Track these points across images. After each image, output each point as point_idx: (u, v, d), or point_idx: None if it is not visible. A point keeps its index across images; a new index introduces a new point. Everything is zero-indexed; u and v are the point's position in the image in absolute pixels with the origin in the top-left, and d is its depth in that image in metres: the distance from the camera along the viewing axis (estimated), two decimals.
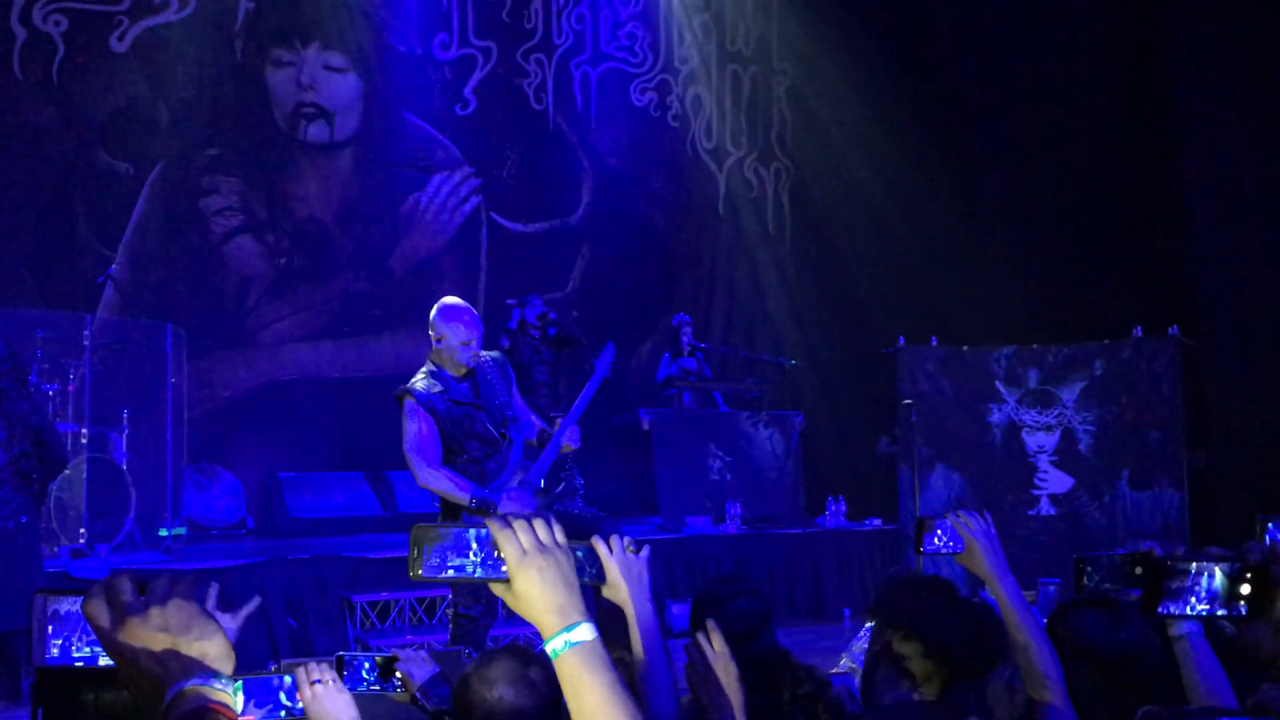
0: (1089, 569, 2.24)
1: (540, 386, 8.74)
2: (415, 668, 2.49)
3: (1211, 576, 1.47)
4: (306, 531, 8.08)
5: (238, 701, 1.22)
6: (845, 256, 11.06)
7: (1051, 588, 5.60)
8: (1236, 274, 9.01)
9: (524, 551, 1.32)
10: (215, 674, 1.16)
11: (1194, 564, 1.46)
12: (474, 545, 1.34)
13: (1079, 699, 2.23)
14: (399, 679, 2.47)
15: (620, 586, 2.02)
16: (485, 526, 1.34)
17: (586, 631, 1.32)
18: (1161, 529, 8.21)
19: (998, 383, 8.53)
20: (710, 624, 2.03)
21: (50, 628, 1.32)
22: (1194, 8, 9.37)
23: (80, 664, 1.29)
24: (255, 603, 2.18)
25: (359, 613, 6.47)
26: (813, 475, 9.36)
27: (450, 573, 1.34)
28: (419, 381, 4.55)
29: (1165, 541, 2.58)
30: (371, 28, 9.70)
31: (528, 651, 2.07)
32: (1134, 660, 2.18)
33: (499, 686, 1.84)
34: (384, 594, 6.54)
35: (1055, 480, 8.44)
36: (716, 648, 2.00)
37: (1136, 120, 9.65)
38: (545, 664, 2.01)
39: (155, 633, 1.17)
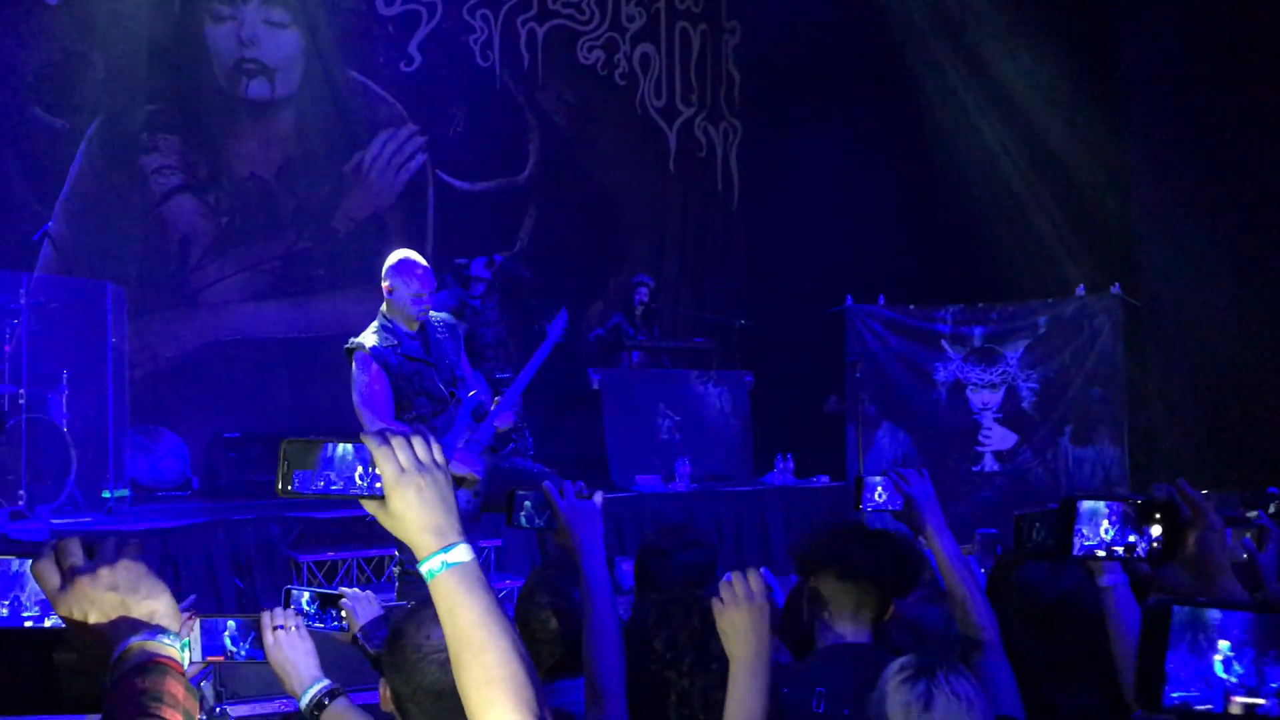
0: (1029, 526, 2.29)
1: (488, 349, 8.70)
2: (360, 607, 2.47)
3: (1122, 516, 1.49)
4: (252, 492, 8.00)
5: (185, 656, 1.22)
6: (794, 216, 11.08)
7: (990, 534, 5.70)
8: (1176, 232, 9.15)
9: (402, 469, 1.29)
10: (163, 630, 1.18)
11: (1104, 504, 1.49)
12: (344, 461, 1.29)
13: (1017, 646, 2.28)
14: (343, 617, 2.46)
15: (571, 533, 2.02)
16: (360, 441, 1.29)
17: (464, 552, 1.29)
18: (1103, 484, 8.38)
19: (943, 341, 8.62)
20: (750, 571, 1.95)
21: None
22: None
23: (30, 624, 1.28)
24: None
25: (305, 572, 6.44)
26: (762, 433, 9.42)
27: (321, 486, 1.30)
28: (370, 335, 4.52)
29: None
30: None
31: None
32: (1070, 608, 2.23)
33: (430, 626, 1.83)
34: (330, 553, 6.51)
35: (999, 437, 8.57)
36: (755, 587, 1.92)
37: (1080, 80, 9.72)
38: None
39: (104, 592, 1.18)
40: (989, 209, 9.98)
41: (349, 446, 1.30)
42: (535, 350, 5.00)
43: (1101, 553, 1.50)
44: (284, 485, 1.29)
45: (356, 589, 2.59)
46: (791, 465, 9.01)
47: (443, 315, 4.81)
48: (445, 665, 1.90)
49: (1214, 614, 0.92)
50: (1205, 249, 8.99)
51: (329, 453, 1.29)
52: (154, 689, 1.11)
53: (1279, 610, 0.91)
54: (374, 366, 4.44)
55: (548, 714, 1.29)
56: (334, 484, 1.30)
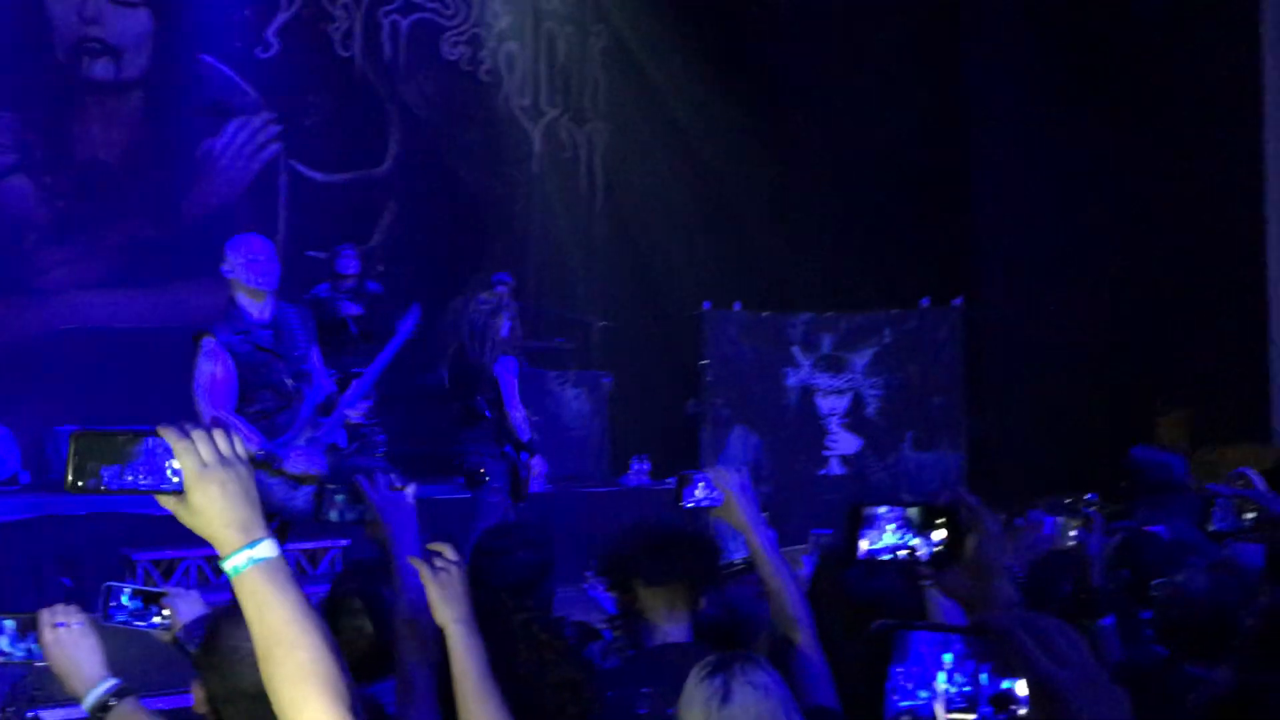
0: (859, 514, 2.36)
1: (347, 345, 8.54)
2: (183, 605, 2.40)
3: (906, 522, 1.55)
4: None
5: None
6: (655, 220, 11.18)
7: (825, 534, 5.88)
8: (1016, 248, 9.58)
9: (204, 464, 1.26)
10: None
11: (888, 509, 1.54)
12: (144, 456, 1.23)
13: (834, 642, 2.36)
14: (165, 615, 2.38)
15: (385, 525, 2.00)
16: (157, 435, 1.24)
17: (270, 548, 1.27)
18: (941, 489, 8.69)
19: (794, 348, 8.84)
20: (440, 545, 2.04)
21: None
22: None
23: None
24: None
25: (141, 571, 6.22)
26: (619, 435, 9.48)
27: (110, 481, 1.23)
28: (220, 321, 4.39)
29: None
30: None
31: None
32: (883, 605, 2.32)
33: (247, 626, 1.80)
34: (168, 552, 6.30)
35: (845, 442, 8.84)
36: (448, 556, 2.01)
37: (929, 98, 10.08)
38: None
39: None
40: (841, 220, 10.26)
41: (146, 440, 1.24)
42: (384, 346, 4.95)
43: (886, 556, 1.55)
44: (74, 480, 1.22)
45: (181, 587, 2.52)
46: (648, 467, 9.09)
47: (296, 304, 4.71)
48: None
49: (924, 635, 0.98)
50: (1044, 263, 9.44)
51: (123, 446, 1.23)
52: None
53: (985, 633, 0.98)
54: (221, 355, 4.31)
55: (360, 709, 1.28)
56: (130, 480, 1.23)
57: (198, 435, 1.27)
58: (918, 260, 9.92)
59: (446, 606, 1.96)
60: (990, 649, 0.97)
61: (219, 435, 1.28)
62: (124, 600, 2.38)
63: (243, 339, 4.35)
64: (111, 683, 2.09)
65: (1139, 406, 9.88)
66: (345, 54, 10.25)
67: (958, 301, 8.93)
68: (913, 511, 1.53)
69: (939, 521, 1.52)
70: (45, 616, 2.06)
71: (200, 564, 6.42)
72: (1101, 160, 9.74)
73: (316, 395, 4.58)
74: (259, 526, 1.27)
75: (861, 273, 9.85)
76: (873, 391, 8.83)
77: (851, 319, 8.94)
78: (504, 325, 5.91)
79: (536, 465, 8.46)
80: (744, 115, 10.56)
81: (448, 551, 2.01)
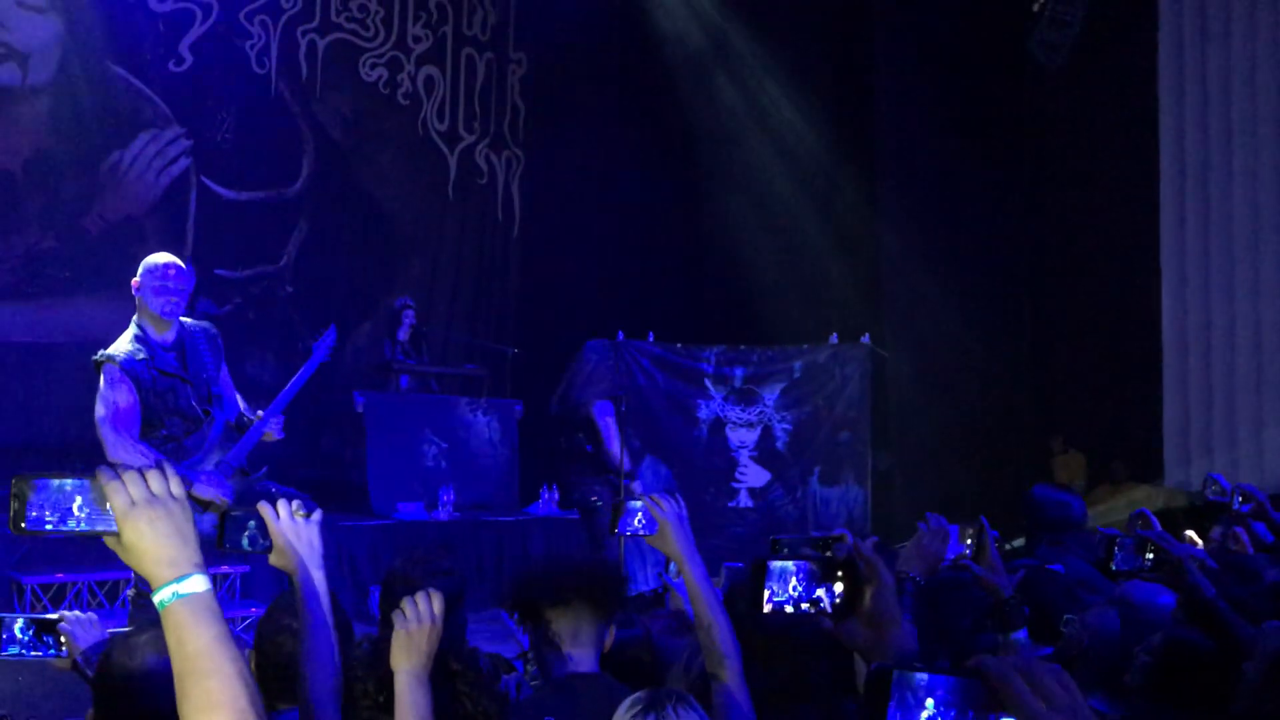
0: (784, 549, 2.40)
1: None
2: (80, 631, 2.34)
3: (809, 574, 1.60)
4: None
5: None
6: (571, 249, 11.22)
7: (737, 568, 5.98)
8: (918, 289, 9.82)
9: (132, 503, 1.30)
10: None
11: (792, 562, 1.59)
12: (79, 497, 1.29)
13: (750, 673, 2.39)
14: (61, 643, 2.33)
15: (286, 553, 1.97)
16: (94, 477, 1.29)
17: (197, 583, 1.30)
18: (846, 523, 8.83)
19: (706, 380, 8.92)
20: (431, 594, 2.06)
21: None
22: (892, 33, 10.12)
23: None
24: None
25: (30, 595, 6.00)
26: (530, 464, 9.44)
27: (55, 523, 1.29)
28: (122, 346, 4.23)
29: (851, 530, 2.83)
30: None
31: None
32: (790, 639, 2.35)
33: (142, 653, 1.76)
34: (59, 575, 6.09)
35: (754, 474, 8.93)
36: (435, 609, 2.05)
37: (842, 141, 10.32)
38: None
39: None
40: (755, 255, 10.42)
41: (83, 481, 1.28)
42: (300, 368, 4.85)
43: (790, 608, 1.59)
44: (18, 524, 1.26)
45: (78, 612, 2.45)
46: (556, 496, 9.06)
47: (202, 323, 4.59)
48: (159, 693, 1.83)
49: (921, 677, 1.01)
50: (947, 302, 9.69)
51: (61, 488, 1.28)
52: None
53: (982, 676, 1.01)
54: (124, 382, 4.16)
55: None
56: (67, 521, 1.28)
57: (128, 476, 1.31)
58: (828, 296, 10.11)
59: (405, 656, 2.00)
60: (977, 696, 1.01)
61: (152, 475, 1.32)
62: (16, 631, 2.32)
63: (145, 364, 4.21)
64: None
65: (1036, 445, 10.18)
66: (260, 71, 10.12)
67: (865, 338, 9.11)
68: (815, 565, 1.58)
69: (838, 574, 1.58)
70: None
71: (92, 587, 6.22)
72: (1005, 201, 10.07)
73: (227, 416, 4.48)
74: (188, 562, 1.31)
75: (773, 307, 10.00)
76: (782, 425, 8.94)
77: (764, 352, 9.05)
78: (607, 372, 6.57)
79: (444, 493, 8.40)
80: (660, 147, 10.68)
81: (436, 604, 2.04)
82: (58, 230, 8.96)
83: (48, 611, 6.05)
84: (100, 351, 4.22)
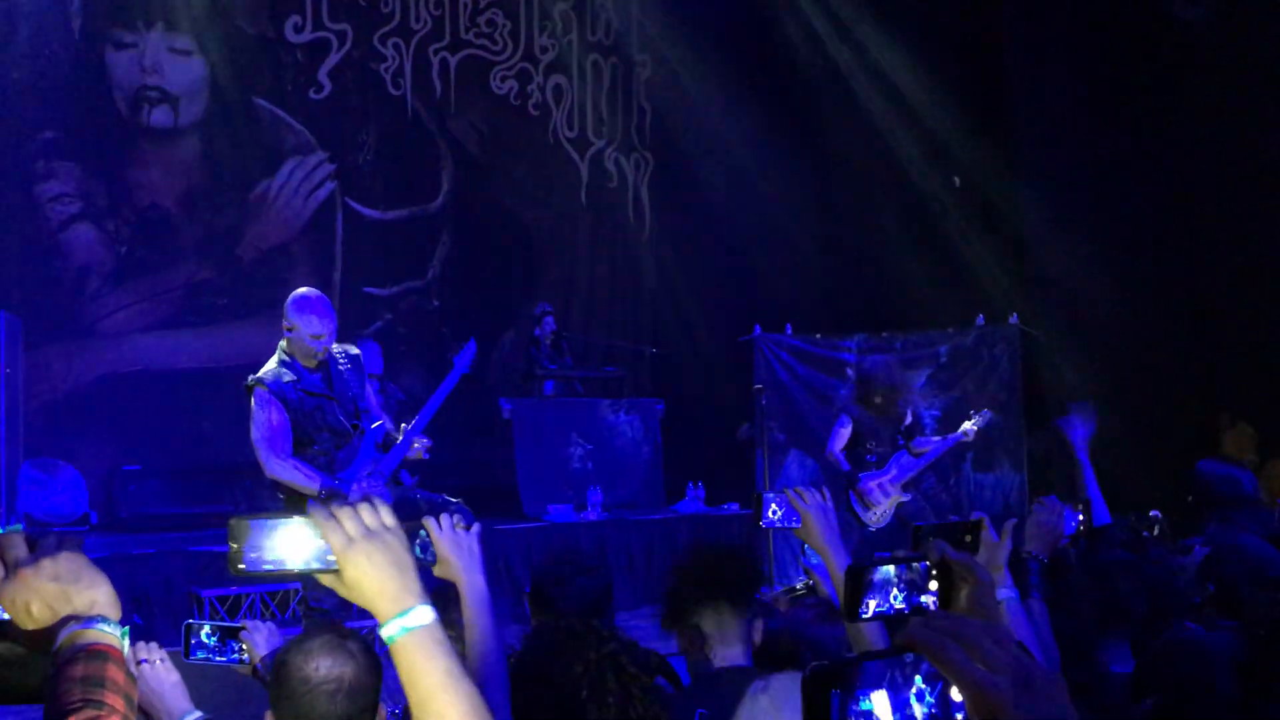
0: (927, 537, 2.36)
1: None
2: (260, 638, 2.46)
3: (908, 574, 1.59)
4: (153, 526, 7.82)
5: (125, 644, 1.27)
6: (704, 246, 11.22)
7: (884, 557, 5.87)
8: (1070, 262, 9.47)
9: (350, 539, 1.30)
10: (103, 619, 1.24)
11: (889, 566, 1.58)
12: (297, 535, 1.31)
13: None
14: (242, 649, 2.45)
15: (451, 563, 2.04)
16: (309, 516, 1.31)
17: (423, 615, 1.30)
18: (1003, 509, 8.58)
19: (848, 370, 8.77)
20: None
21: None
22: (1023, 9, 9.79)
23: None
24: None
25: (207, 607, 6.32)
26: (673, 461, 9.48)
27: (273, 562, 1.31)
28: (270, 371, 4.47)
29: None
30: (219, 10, 9.39)
31: (346, 629, 2.08)
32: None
33: (316, 658, 1.83)
34: (233, 588, 6.39)
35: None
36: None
37: (976, 115, 10.03)
38: (364, 638, 2.02)
39: (47, 582, 1.24)
40: (894, 240, 10.22)
41: (299, 521, 1.30)
42: (442, 380, 5.00)
43: (890, 614, 1.59)
44: (235, 565, 1.30)
45: (258, 620, 2.58)
46: (702, 493, 9.08)
47: (347, 346, 4.77)
48: (333, 696, 1.91)
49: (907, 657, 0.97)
50: (1098, 277, 9.32)
51: (279, 528, 1.31)
52: (95, 675, 1.17)
53: (912, 649, 0.96)
54: (274, 403, 4.39)
55: None
56: (287, 561, 1.31)
57: (343, 513, 1.31)
58: (971, 278, 9.83)
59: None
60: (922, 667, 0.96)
61: (364, 509, 1.32)
62: (203, 637, 2.46)
63: (292, 385, 4.43)
64: (195, 715, 2.16)
65: (1202, 419, 9.70)
66: (396, 92, 10.44)
67: (1014, 319, 8.83)
68: (911, 571, 1.57)
69: (934, 574, 1.57)
70: (129, 654, 2.13)
71: (264, 597, 6.52)
72: (1152, 166, 9.62)
73: (375, 432, 4.65)
74: (410, 594, 1.31)
75: (914, 292, 9.79)
76: (930, 412, 8.73)
77: (907, 339, 8.86)
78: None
79: (592, 494, 8.51)
80: (790, 138, 10.58)
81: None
82: (214, 260, 9.43)
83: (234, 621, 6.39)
84: (250, 377, 4.45)
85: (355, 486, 4.46)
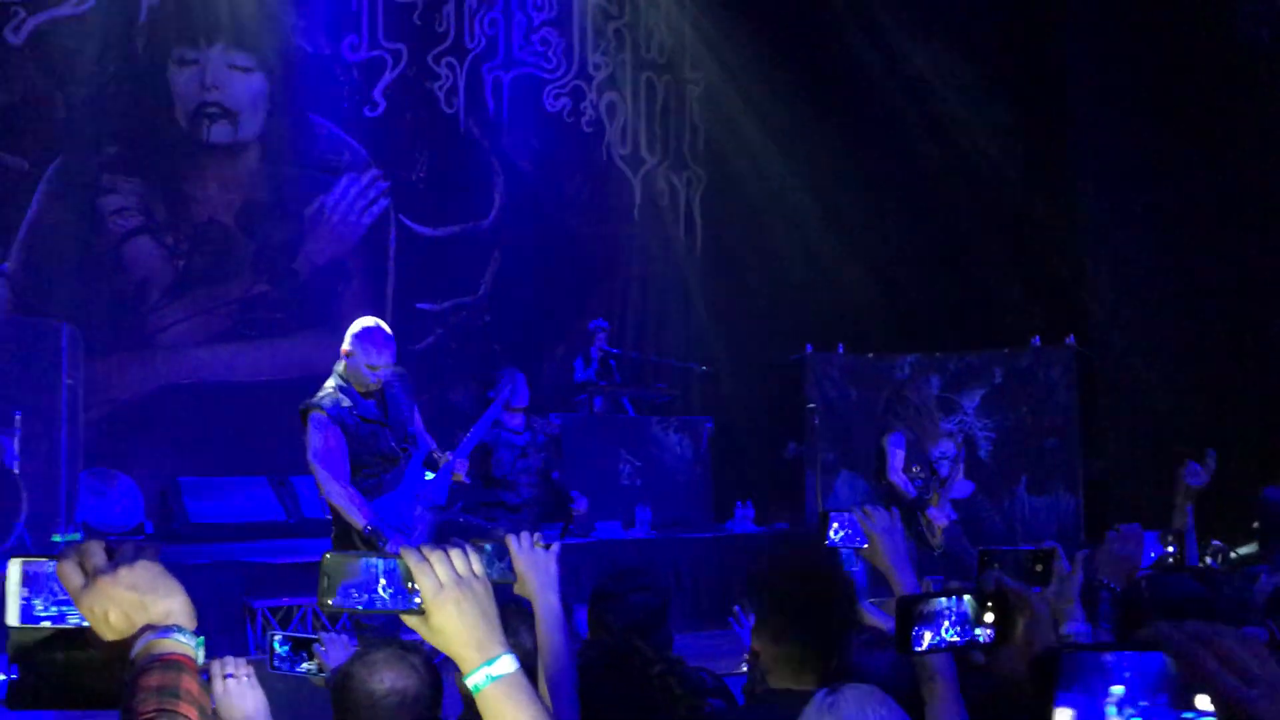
0: (994, 563, 2.31)
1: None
2: (335, 650, 2.48)
3: (960, 606, 1.56)
4: (207, 536, 7.91)
5: (199, 654, 1.27)
6: (755, 265, 11.20)
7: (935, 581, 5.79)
8: (1127, 283, 9.33)
9: (440, 585, 1.30)
10: (179, 628, 1.24)
11: (942, 598, 1.55)
12: (383, 579, 1.33)
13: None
14: (315, 662, 2.47)
15: (529, 580, 2.05)
16: (399, 558, 1.33)
17: (508, 664, 1.31)
18: (1057, 533, 8.45)
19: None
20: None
21: (25, 590, 1.33)
22: (1086, 29, 9.69)
23: (46, 623, 1.33)
24: None
25: (260, 619, 6.36)
26: (722, 479, 9.44)
27: (364, 600, 1.33)
28: (328, 395, 4.50)
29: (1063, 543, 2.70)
30: (279, 28, 9.53)
31: (408, 643, 2.08)
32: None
33: (380, 672, 1.83)
34: (285, 599, 6.43)
35: (957, 485, 8.62)
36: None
37: (1033, 134, 9.94)
38: (425, 651, 2.02)
39: (124, 591, 1.25)
40: (947, 261, 10.13)
41: (392, 561, 1.32)
42: (484, 411, 5.12)
43: (944, 647, 1.59)
44: (325, 600, 1.33)
45: (333, 633, 2.60)
46: (752, 512, 9.02)
47: (397, 369, 4.80)
48: (395, 710, 1.91)
49: (1107, 657, 0.94)
50: (1156, 300, 9.17)
51: (369, 568, 1.33)
52: (170, 684, 1.17)
53: (1154, 646, 0.92)
54: (332, 428, 4.44)
55: None
56: (373, 601, 1.33)
57: (434, 557, 1.32)
58: (1028, 298, 9.71)
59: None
60: (1166, 679, 0.92)
61: (456, 556, 1.33)
62: (277, 647, 2.49)
63: (349, 411, 4.47)
64: None
65: (1262, 445, 9.49)
66: (450, 110, 10.54)
67: (1070, 340, 8.71)
68: (966, 604, 1.56)
69: (989, 606, 1.55)
70: (216, 668, 2.15)
71: (315, 610, 6.55)
72: (1217, 188, 9.47)
73: (420, 454, 4.71)
74: (496, 643, 1.32)
75: (968, 312, 9.69)
76: (984, 433, 8.63)
77: (960, 359, 8.77)
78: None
79: (641, 512, 8.49)
80: (842, 157, 10.54)
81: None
82: (270, 274, 9.55)
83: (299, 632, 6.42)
84: (305, 401, 4.49)
85: (415, 523, 4.52)
